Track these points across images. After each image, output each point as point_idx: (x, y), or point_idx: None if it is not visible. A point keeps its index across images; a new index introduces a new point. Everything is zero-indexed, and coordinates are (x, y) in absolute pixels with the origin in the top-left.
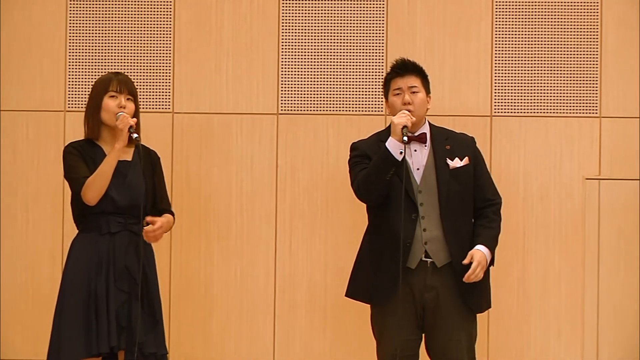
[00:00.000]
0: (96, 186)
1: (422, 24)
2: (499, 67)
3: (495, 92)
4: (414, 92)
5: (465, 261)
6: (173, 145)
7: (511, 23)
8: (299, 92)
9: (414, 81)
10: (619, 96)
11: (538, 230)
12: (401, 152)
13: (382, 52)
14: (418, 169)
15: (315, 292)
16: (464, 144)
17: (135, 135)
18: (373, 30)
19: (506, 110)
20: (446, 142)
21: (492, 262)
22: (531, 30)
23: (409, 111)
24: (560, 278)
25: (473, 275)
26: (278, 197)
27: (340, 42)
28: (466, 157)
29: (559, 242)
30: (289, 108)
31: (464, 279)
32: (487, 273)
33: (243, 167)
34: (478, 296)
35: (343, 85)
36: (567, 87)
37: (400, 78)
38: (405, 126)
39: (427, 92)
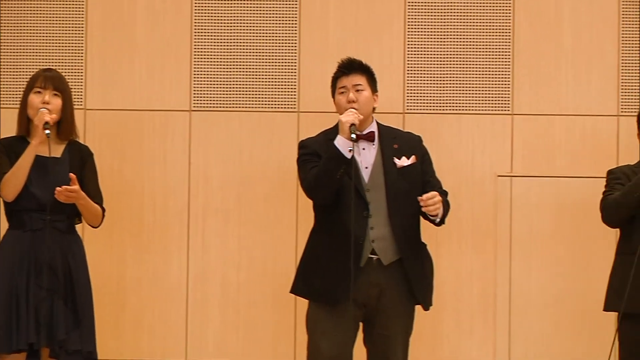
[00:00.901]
0: (12, 182)
1: (334, 22)
2: (411, 64)
3: (408, 90)
4: (358, 91)
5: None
6: (85, 142)
7: (423, 21)
8: (212, 89)
9: (359, 79)
10: (530, 93)
11: (450, 228)
12: (350, 150)
13: (295, 51)
14: (367, 167)
15: (228, 289)
16: (412, 143)
17: (47, 131)
18: (286, 28)
19: (419, 108)
20: (394, 141)
21: (442, 221)
22: (443, 28)
23: (354, 109)
24: (473, 275)
25: (432, 200)
26: (191, 194)
27: (253, 40)
28: (413, 156)
29: (471, 239)
30: (202, 105)
31: (420, 197)
32: (431, 269)
33: (156, 164)
34: (427, 290)
35: (256, 82)
36: (479, 84)
37: (346, 77)
38: (353, 124)
39: (374, 90)
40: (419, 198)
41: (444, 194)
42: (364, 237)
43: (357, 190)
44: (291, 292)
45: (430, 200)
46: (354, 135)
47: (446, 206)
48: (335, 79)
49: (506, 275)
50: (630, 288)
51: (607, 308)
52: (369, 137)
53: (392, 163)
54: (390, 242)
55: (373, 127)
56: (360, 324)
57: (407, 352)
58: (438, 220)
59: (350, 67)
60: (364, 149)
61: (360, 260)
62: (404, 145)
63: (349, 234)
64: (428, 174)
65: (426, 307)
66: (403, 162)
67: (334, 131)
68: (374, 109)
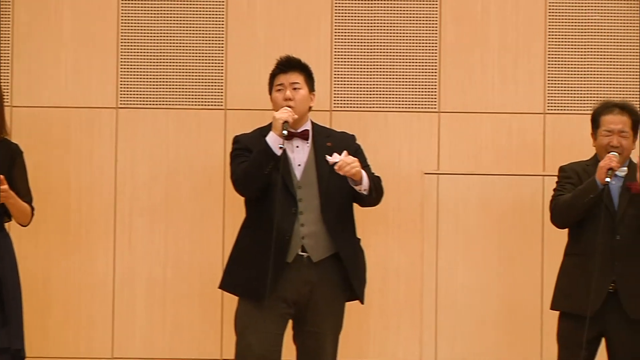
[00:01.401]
0: None
1: (262, 20)
2: (338, 62)
3: (335, 87)
4: (295, 89)
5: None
6: (11, 139)
7: (351, 19)
8: (139, 86)
9: (296, 78)
10: (457, 92)
11: (377, 225)
12: (281, 147)
13: (222, 48)
14: (299, 165)
15: (154, 286)
16: (345, 141)
17: None
18: (213, 25)
19: (346, 105)
20: (327, 140)
21: (371, 194)
22: (370, 26)
23: (290, 107)
24: (399, 272)
25: (346, 161)
26: (117, 192)
27: (180, 37)
28: (345, 151)
29: (398, 236)
30: (129, 102)
31: (330, 157)
32: (364, 264)
33: (82, 162)
34: (362, 285)
35: (183, 79)
36: (406, 82)
37: (283, 74)
38: (286, 121)
39: (311, 89)
40: (329, 159)
41: (376, 177)
42: (291, 234)
43: (286, 187)
44: (220, 287)
45: (344, 160)
46: (285, 132)
47: (376, 180)
48: (272, 76)
49: (433, 273)
50: (577, 289)
51: (554, 307)
52: (303, 136)
53: (324, 160)
54: (322, 239)
55: (308, 126)
56: (290, 321)
57: (336, 350)
58: (364, 190)
59: (288, 65)
60: (297, 146)
61: (287, 257)
62: (338, 143)
63: (276, 230)
64: (361, 165)
65: (363, 301)
66: (335, 158)
67: (269, 128)
68: (310, 107)
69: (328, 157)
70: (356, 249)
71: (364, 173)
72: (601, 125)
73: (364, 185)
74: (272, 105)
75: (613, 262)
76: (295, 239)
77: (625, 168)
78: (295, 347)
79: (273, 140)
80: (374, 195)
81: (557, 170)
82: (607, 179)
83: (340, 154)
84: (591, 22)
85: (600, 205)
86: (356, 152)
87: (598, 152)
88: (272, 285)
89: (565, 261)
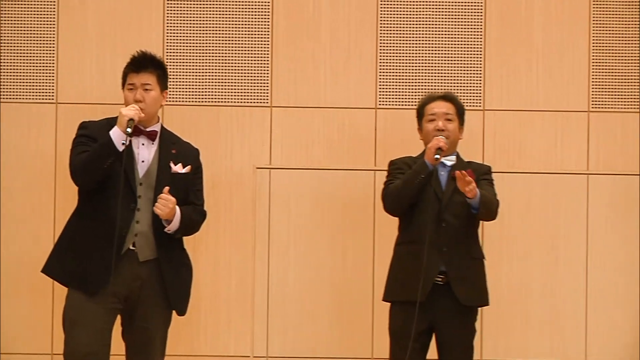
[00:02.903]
0: None
1: (93, 13)
2: (170, 56)
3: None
4: (146, 90)
5: None
6: None
7: (183, 14)
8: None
9: (148, 79)
10: (289, 86)
11: (209, 220)
12: (123, 143)
13: (53, 41)
14: (143, 161)
15: None
16: (189, 154)
17: None
18: (43, 18)
19: (178, 100)
20: (173, 146)
21: (177, 232)
22: (202, 20)
23: (140, 108)
24: (231, 268)
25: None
26: None
27: (10, 31)
28: (189, 166)
29: (229, 231)
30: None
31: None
32: (189, 276)
33: None
34: (182, 297)
35: (13, 73)
36: (238, 77)
37: (135, 74)
38: (131, 119)
39: (163, 89)
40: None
41: (200, 206)
42: (128, 229)
43: (128, 182)
44: (45, 272)
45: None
46: (129, 130)
47: (186, 220)
48: (125, 74)
49: (264, 267)
50: (408, 277)
51: (386, 298)
52: (150, 136)
53: (167, 166)
54: (150, 240)
55: (157, 127)
56: (120, 317)
57: (165, 346)
58: (172, 230)
59: (140, 64)
60: (143, 144)
61: (121, 251)
62: (182, 152)
63: (113, 223)
64: (196, 186)
65: (180, 313)
66: (178, 168)
67: (116, 120)
68: (161, 106)
69: (172, 165)
70: (177, 259)
71: (178, 211)
72: (425, 114)
73: (172, 226)
74: (123, 101)
75: (441, 249)
76: (130, 234)
77: (454, 157)
78: (124, 343)
79: (117, 135)
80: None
81: (387, 164)
82: (437, 156)
83: (183, 164)
84: (420, 17)
85: (429, 191)
86: (197, 168)
87: (425, 142)
88: (108, 278)
89: (396, 251)
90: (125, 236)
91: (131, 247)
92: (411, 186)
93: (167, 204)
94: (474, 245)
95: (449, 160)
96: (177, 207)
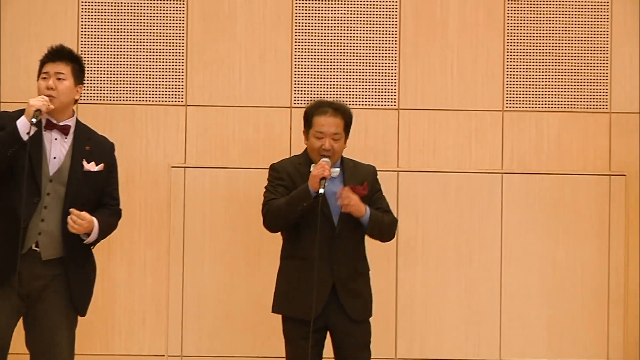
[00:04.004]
0: None
1: (5, 10)
2: (85, 54)
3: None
4: (59, 79)
5: None
6: None
7: (98, 12)
8: None
9: (62, 68)
10: (204, 84)
11: (124, 219)
12: (28, 133)
13: None
14: (55, 157)
15: None
16: (103, 150)
17: None
18: None
19: (92, 98)
20: (87, 143)
21: (94, 243)
22: (118, 20)
23: (51, 97)
24: (146, 268)
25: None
26: None
27: None
28: (102, 164)
29: (144, 230)
30: None
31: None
32: (94, 276)
33: None
34: (85, 296)
35: None
36: (154, 75)
37: (51, 63)
38: (38, 109)
39: (78, 82)
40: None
41: (115, 205)
42: (28, 224)
43: (33, 175)
44: None
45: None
46: (34, 120)
47: (104, 227)
48: (41, 64)
49: (179, 267)
50: (298, 294)
51: (274, 310)
52: (64, 130)
53: (80, 164)
54: (56, 239)
55: (71, 122)
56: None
57: (73, 347)
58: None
59: (57, 54)
60: (56, 139)
61: (24, 247)
62: (96, 149)
63: (17, 219)
64: (110, 185)
65: (82, 314)
66: (91, 167)
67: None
68: (75, 100)
69: (85, 163)
70: (85, 259)
71: (95, 222)
72: (314, 126)
73: (91, 238)
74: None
75: (331, 266)
76: (32, 231)
77: (338, 169)
78: (28, 351)
79: (23, 124)
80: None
81: (269, 167)
82: (321, 190)
83: (96, 162)
84: (335, 16)
85: (317, 209)
86: (111, 166)
87: (310, 153)
88: (9, 274)
89: (284, 265)
90: (26, 232)
91: (34, 247)
92: (294, 211)
93: (80, 223)
94: (361, 261)
95: (334, 173)
96: (94, 218)
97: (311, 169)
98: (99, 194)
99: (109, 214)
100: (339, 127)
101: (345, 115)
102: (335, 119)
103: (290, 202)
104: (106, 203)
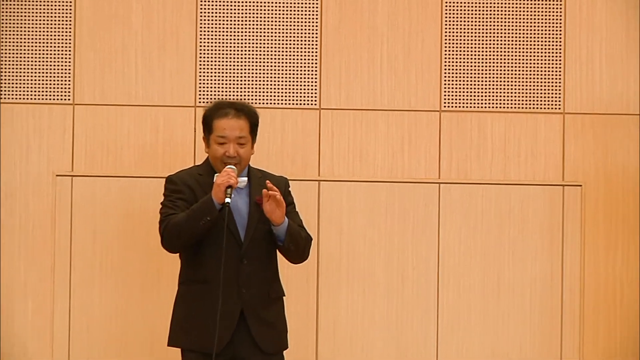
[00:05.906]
0: None
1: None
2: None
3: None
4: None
5: None
6: None
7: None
8: None
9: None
10: (94, 80)
11: (1, 236)
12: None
13: None
14: None
15: None
16: None
17: None
18: None
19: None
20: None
21: None
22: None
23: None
24: (27, 290)
25: None
26: None
27: None
28: None
29: (25, 247)
30: None
31: None
32: None
33: None
34: None
35: None
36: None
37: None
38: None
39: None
40: None
41: None
42: None
43: None
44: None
45: None
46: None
47: None
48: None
49: (66, 291)
50: (199, 323)
51: (170, 343)
52: None
53: None
54: None
55: None
56: None
57: None
58: None
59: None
60: None
61: None
62: None
63: None
64: None
65: None
66: None
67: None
68: None
69: None
70: None
71: None
72: (215, 130)
73: None
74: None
75: (240, 290)
76: None
77: (245, 179)
78: None
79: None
80: None
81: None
82: (227, 200)
83: None
84: (248, 4)
85: (222, 225)
86: None
87: (212, 162)
88: None
89: (182, 290)
90: None
91: None
92: (196, 227)
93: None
94: (274, 283)
95: (241, 183)
96: None
97: (214, 179)
98: None
99: None
100: (243, 130)
101: (250, 116)
102: (238, 121)
103: (191, 216)
104: None
